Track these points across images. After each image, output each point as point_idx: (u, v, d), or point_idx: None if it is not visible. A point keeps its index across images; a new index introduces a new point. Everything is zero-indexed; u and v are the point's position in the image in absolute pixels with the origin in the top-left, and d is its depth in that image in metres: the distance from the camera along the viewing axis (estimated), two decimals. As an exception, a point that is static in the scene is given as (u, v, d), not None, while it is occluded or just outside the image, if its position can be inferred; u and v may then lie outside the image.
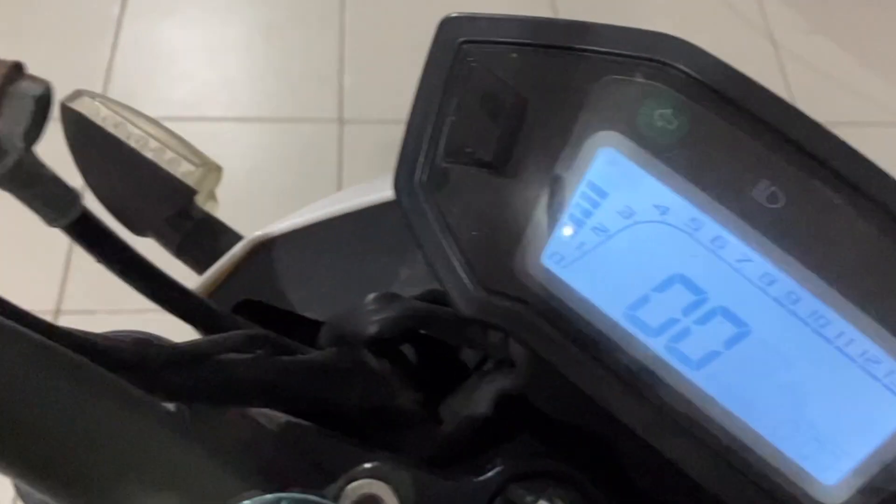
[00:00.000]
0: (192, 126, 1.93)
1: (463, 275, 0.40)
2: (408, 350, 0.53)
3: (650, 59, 0.36)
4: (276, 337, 0.38)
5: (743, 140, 0.36)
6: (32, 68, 0.43)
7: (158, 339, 0.37)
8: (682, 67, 0.36)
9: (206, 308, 0.39)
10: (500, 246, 0.39)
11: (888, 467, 0.37)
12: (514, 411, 0.49)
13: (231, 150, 1.92)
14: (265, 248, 0.49)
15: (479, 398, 0.49)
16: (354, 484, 0.31)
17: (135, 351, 0.32)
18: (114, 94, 1.89)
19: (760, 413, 0.39)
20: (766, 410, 0.38)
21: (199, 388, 0.33)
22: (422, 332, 0.47)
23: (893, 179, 0.35)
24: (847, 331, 0.36)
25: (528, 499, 0.40)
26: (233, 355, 0.35)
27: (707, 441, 0.39)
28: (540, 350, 0.39)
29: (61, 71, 1.88)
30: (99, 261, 0.41)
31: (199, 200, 0.66)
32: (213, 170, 0.66)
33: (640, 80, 0.37)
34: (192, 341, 0.34)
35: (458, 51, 0.38)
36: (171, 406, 0.32)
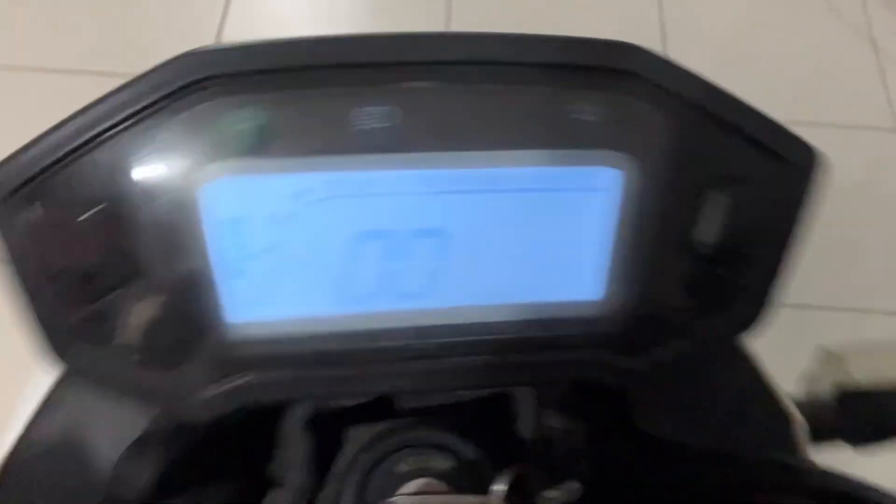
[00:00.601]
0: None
1: (175, 389, 0.37)
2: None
3: (181, 89, 0.33)
4: None
5: (319, 93, 0.35)
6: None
7: None
8: (214, 73, 0.33)
9: None
10: (190, 339, 0.36)
11: (627, 257, 0.38)
12: (330, 422, 0.48)
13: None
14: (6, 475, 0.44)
15: (291, 439, 0.47)
16: None
17: None
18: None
19: (511, 287, 0.39)
20: (514, 282, 0.38)
21: None
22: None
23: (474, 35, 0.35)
24: (521, 173, 0.37)
25: None
26: None
27: (485, 348, 0.38)
28: (284, 397, 0.38)
29: (172, 37, 1.71)
30: None
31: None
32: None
33: (189, 110, 0.34)
34: None
35: (8, 208, 0.33)
36: None
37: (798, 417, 0.50)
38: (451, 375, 0.39)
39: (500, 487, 0.36)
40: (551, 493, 0.42)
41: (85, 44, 1.73)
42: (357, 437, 0.46)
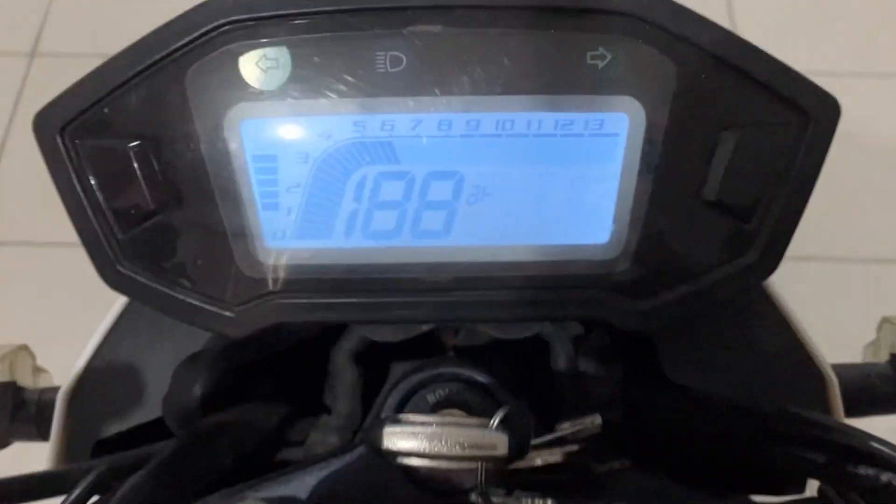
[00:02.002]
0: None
1: (212, 308, 0.41)
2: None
3: (207, 33, 0.37)
4: (120, 460, 0.40)
5: (337, 37, 0.38)
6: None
7: None
8: (238, 18, 0.37)
9: (56, 476, 0.40)
10: (226, 262, 0.40)
11: (634, 202, 0.40)
12: (374, 357, 0.51)
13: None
14: (79, 390, 0.50)
15: (339, 371, 0.51)
16: None
17: None
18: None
19: (521, 229, 0.41)
20: (524, 224, 0.41)
21: None
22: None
23: None
24: (532, 118, 0.39)
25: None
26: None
27: (495, 284, 0.41)
28: (316, 318, 0.41)
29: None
30: None
31: (29, 380, 0.65)
32: (18, 353, 0.65)
33: (218, 51, 0.38)
34: None
35: (62, 140, 0.38)
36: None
37: (833, 380, 0.50)
38: (462, 308, 0.42)
39: (498, 417, 0.38)
40: (566, 425, 0.44)
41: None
42: (397, 371, 0.49)
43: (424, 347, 0.51)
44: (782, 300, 0.50)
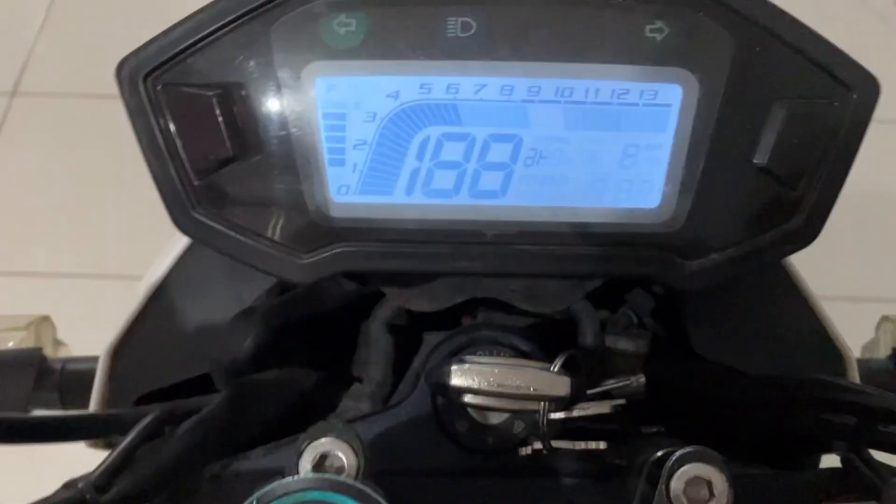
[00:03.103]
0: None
1: (280, 254, 0.43)
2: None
3: None
4: (174, 407, 0.41)
5: (413, 2, 0.40)
6: None
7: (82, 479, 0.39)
8: None
9: (107, 418, 0.41)
10: (294, 211, 0.42)
11: (685, 169, 0.42)
12: (408, 327, 0.53)
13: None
14: (122, 348, 0.51)
15: (373, 338, 0.52)
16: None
17: (66, 498, 0.34)
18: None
19: (575, 191, 0.43)
20: (579, 187, 0.43)
21: (140, 488, 0.36)
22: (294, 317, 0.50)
23: None
24: (590, 85, 0.41)
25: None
26: (149, 448, 0.38)
27: (553, 240, 0.43)
28: (374, 267, 0.43)
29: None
30: None
31: (50, 351, 0.66)
32: (41, 323, 0.66)
33: (301, 9, 0.40)
34: (109, 459, 0.35)
35: (145, 86, 0.40)
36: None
37: (852, 358, 0.53)
38: (518, 261, 0.44)
39: (560, 361, 0.40)
40: (610, 382, 0.46)
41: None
42: (432, 340, 0.51)
43: (447, 325, 0.53)
44: (803, 282, 0.52)
